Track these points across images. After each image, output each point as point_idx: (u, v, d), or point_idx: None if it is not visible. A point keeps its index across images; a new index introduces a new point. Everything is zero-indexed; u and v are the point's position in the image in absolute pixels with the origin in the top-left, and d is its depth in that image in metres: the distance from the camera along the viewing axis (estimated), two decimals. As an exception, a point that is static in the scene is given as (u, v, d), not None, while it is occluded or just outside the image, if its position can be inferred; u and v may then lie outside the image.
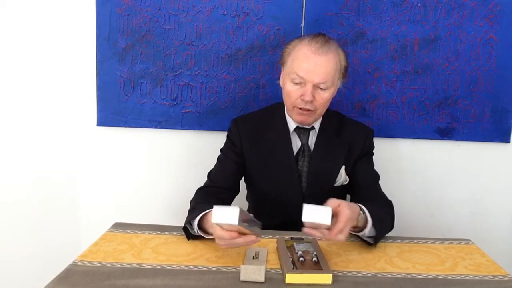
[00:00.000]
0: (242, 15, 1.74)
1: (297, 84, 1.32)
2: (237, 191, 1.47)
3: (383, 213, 1.27)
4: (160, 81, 1.78)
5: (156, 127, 1.82)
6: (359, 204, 1.19)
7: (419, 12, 1.73)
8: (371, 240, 1.21)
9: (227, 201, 1.41)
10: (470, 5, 1.73)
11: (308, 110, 1.33)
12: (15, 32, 1.79)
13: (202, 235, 1.19)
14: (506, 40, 1.74)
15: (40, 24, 1.78)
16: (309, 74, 1.29)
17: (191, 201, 1.37)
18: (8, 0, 1.77)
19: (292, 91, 1.33)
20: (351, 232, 1.18)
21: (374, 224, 1.18)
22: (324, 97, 1.33)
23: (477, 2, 1.72)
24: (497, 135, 1.81)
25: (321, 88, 1.32)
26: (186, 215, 1.26)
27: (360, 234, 1.19)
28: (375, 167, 1.51)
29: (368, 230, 1.18)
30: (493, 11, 1.73)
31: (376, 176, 1.48)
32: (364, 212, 1.18)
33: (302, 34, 1.39)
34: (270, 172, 1.41)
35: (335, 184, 1.43)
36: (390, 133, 1.80)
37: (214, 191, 1.38)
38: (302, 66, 1.30)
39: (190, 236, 1.23)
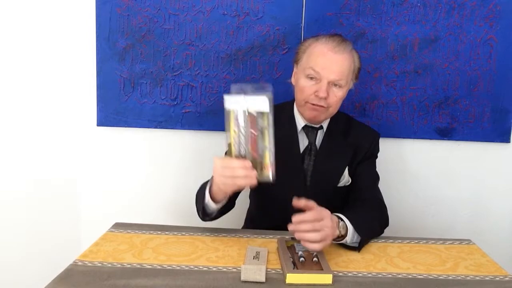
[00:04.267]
0: (242, 15, 1.74)
1: (311, 79, 1.32)
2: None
3: (369, 218, 1.26)
4: (160, 81, 1.78)
5: (156, 127, 1.81)
6: (338, 214, 1.19)
7: (419, 12, 1.74)
8: (356, 245, 1.20)
9: (233, 195, 1.38)
10: (470, 5, 1.73)
11: (321, 106, 1.33)
12: (15, 32, 1.79)
13: (209, 201, 1.23)
14: (506, 40, 1.74)
15: (40, 24, 1.78)
16: (325, 70, 1.30)
17: (197, 194, 1.37)
18: (8, 0, 1.77)
19: (306, 87, 1.34)
20: (334, 242, 1.19)
21: (356, 230, 1.18)
22: (338, 95, 1.34)
23: (477, 2, 1.72)
24: (497, 135, 1.81)
25: (335, 86, 1.32)
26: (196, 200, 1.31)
27: (342, 242, 1.19)
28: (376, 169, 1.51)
29: (350, 237, 1.18)
30: (493, 11, 1.73)
31: (375, 178, 1.48)
32: (342, 220, 1.18)
33: (318, 34, 1.40)
34: (276, 169, 1.41)
35: (338, 185, 1.43)
36: (390, 133, 1.80)
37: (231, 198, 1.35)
38: (318, 62, 1.31)
39: (204, 214, 1.28)
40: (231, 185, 1.10)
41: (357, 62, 1.38)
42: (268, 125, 1.05)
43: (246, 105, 1.04)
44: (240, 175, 1.07)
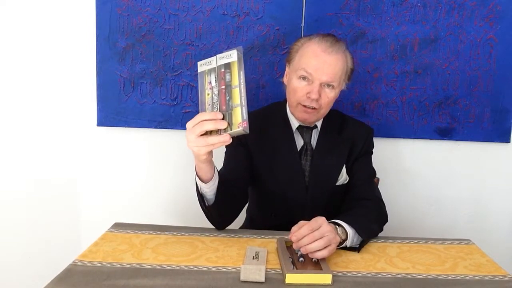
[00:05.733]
0: (242, 15, 1.74)
1: (304, 80, 1.32)
2: (249, 183, 1.43)
3: (368, 219, 1.26)
4: (160, 81, 1.78)
5: (156, 127, 1.82)
6: (334, 220, 1.19)
7: (419, 12, 1.74)
8: (357, 246, 1.20)
9: (241, 193, 1.37)
10: (470, 5, 1.73)
11: (313, 108, 1.33)
12: (15, 32, 1.79)
13: (199, 182, 1.19)
14: (506, 40, 1.74)
15: (40, 24, 1.78)
16: (318, 72, 1.29)
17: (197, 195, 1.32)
18: (8, 0, 1.77)
19: (298, 88, 1.33)
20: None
21: (358, 233, 1.19)
22: (330, 97, 1.33)
23: (477, 2, 1.72)
24: (497, 135, 1.81)
25: (327, 87, 1.32)
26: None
27: (342, 246, 1.18)
28: (374, 166, 1.51)
29: (350, 241, 1.18)
30: (493, 11, 1.73)
31: (371, 175, 1.48)
32: (340, 225, 1.18)
33: (311, 34, 1.39)
34: (274, 170, 1.41)
35: (337, 183, 1.43)
36: (390, 133, 1.80)
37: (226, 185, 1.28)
38: (311, 63, 1.30)
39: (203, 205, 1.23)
40: (204, 146, 1.02)
41: (350, 63, 1.38)
42: (238, 79, 0.99)
43: (216, 63, 1.03)
44: (209, 128, 1.00)
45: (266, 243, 1.22)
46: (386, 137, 1.80)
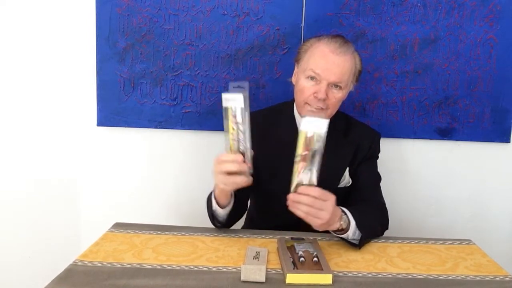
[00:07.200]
0: (242, 15, 1.74)
1: (311, 80, 1.32)
2: (252, 185, 1.46)
3: (370, 217, 1.26)
4: (160, 81, 1.78)
5: (156, 127, 1.81)
6: (341, 207, 1.20)
7: (419, 12, 1.74)
8: (356, 242, 1.21)
9: (243, 196, 1.38)
10: (470, 5, 1.73)
11: (320, 108, 1.33)
12: (15, 32, 1.79)
13: (216, 205, 1.25)
14: (506, 40, 1.74)
15: (40, 24, 1.78)
16: (326, 72, 1.30)
17: (207, 201, 1.35)
18: (8, 0, 1.77)
19: (306, 88, 1.33)
20: (335, 234, 1.20)
21: (358, 226, 1.19)
22: (337, 97, 1.33)
23: (477, 2, 1.72)
24: (497, 135, 1.81)
25: (335, 87, 1.32)
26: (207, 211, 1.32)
27: (344, 236, 1.19)
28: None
29: (352, 232, 1.18)
30: (493, 11, 1.73)
31: (376, 179, 1.48)
32: (346, 214, 1.18)
33: (320, 34, 1.39)
34: (276, 170, 1.40)
35: (339, 186, 1.42)
36: (390, 133, 1.80)
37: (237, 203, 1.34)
38: (319, 63, 1.31)
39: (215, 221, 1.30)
40: (230, 184, 1.12)
41: (359, 64, 1.38)
42: (242, 121, 1.06)
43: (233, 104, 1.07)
44: (231, 170, 1.08)
45: (267, 243, 1.22)
46: (386, 137, 1.79)
